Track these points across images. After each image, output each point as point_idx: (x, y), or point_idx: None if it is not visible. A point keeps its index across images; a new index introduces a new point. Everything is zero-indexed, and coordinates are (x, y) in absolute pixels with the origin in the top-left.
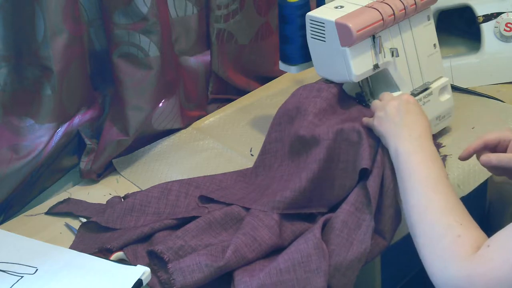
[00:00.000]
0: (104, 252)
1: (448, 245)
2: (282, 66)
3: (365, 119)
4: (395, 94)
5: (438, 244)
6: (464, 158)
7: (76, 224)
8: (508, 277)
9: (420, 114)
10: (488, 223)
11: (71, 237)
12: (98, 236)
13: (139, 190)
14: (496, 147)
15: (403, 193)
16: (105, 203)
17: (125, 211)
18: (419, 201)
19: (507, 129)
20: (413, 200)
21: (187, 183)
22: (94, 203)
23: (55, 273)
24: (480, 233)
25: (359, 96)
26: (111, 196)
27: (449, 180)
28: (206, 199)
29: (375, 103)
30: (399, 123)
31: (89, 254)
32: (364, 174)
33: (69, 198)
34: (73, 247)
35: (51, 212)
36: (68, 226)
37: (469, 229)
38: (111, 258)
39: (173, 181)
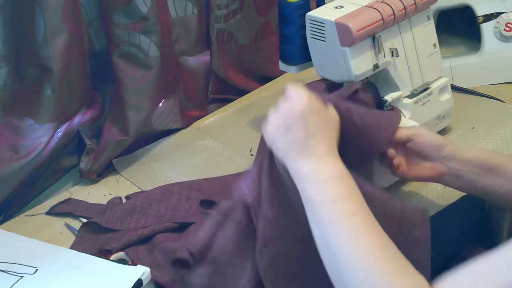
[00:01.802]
0: (104, 253)
1: None
2: (282, 66)
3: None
4: (288, 92)
5: None
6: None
7: (76, 224)
8: None
9: (323, 120)
10: (488, 224)
11: (71, 237)
12: (98, 237)
13: (139, 190)
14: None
15: (317, 223)
16: (105, 203)
17: (126, 212)
18: (342, 242)
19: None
20: (338, 239)
21: (189, 186)
22: (95, 204)
23: (55, 273)
24: (420, 279)
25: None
26: (111, 196)
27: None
28: (207, 204)
29: (270, 112)
30: (302, 143)
31: (89, 254)
32: None
33: (69, 198)
34: (73, 247)
35: (51, 212)
36: (68, 226)
37: (408, 277)
38: (111, 258)
39: (175, 183)
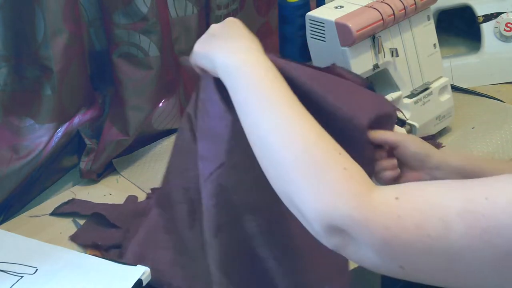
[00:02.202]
0: (97, 247)
1: (334, 176)
2: None
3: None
4: None
5: (317, 171)
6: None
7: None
8: (417, 246)
9: (245, 31)
10: None
11: None
12: (99, 230)
13: (139, 190)
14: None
15: (247, 114)
16: (106, 203)
17: (136, 214)
18: (280, 123)
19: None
20: (270, 122)
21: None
22: (100, 203)
23: (55, 273)
24: (365, 174)
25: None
26: (111, 196)
27: None
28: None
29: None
30: (226, 38)
31: (83, 244)
32: None
33: (73, 199)
34: (73, 237)
35: (55, 213)
36: (75, 222)
37: (352, 163)
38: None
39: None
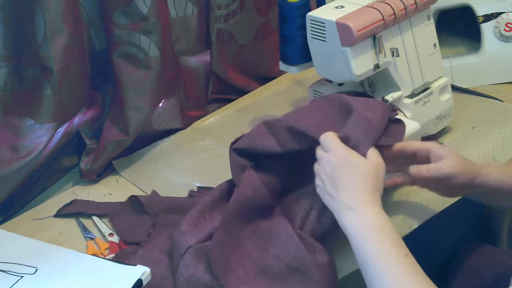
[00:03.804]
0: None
1: None
2: (282, 66)
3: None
4: (321, 143)
5: None
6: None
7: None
8: None
9: (350, 171)
10: (488, 224)
11: (71, 237)
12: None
13: (139, 190)
14: (412, 158)
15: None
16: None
17: (170, 209)
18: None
19: (429, 142)
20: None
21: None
22: (103, 202)
23: (55, 273)
24: None
25: (361, 96)
26: (111, 196)
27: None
28: None
29: (318, 153)
30: (336, 197)
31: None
32: None
33: (75, 200)
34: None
35: (59, 214)
36: (78, 222)
37: None
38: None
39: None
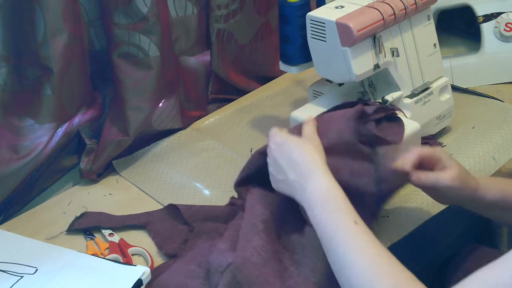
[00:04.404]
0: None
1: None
2: (282, 66)
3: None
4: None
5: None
6: (398, 166)
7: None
8: None
9: (293, 153)
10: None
11: (71, 237)
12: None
13: (139, 190)
14: (427, 164)
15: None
16: (106, 203)
17: (209, 217)
18: (343, 262)
19: (441, 149)
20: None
21: None
22: (116, 215)
23: (55, 273)
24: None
25: (361, 96)
26: (111, 196)
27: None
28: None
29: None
30: (285, 180)
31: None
32: None
33: (85, 212)
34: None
35: (71, 229)
36: (88, 234)
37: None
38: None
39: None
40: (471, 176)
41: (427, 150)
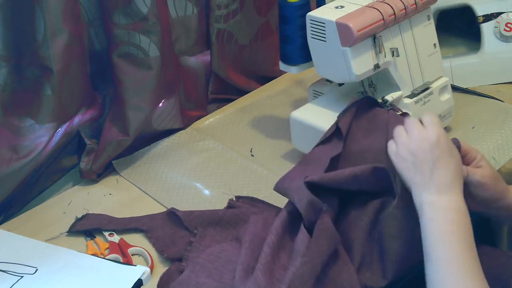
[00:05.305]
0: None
1: None
2: (282, 66)
3: (389, 147)
4: (425, 120)
5: None
6: None
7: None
8: None
9: (450, 156)
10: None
11: (71, 237)
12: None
13: (139, 190)
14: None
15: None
16: (106, 203)
17: (211, 222)
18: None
19: (477, 149)
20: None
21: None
22: (117, 218)
23: (55, 273)
24: None
25: (361, 95)
26: (111, 196)
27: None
28: None
29: (399, 133)
30: (428, 175)
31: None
32: None
33: (87, 214)
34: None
35: (72, 231)
36: (88, 234)
37: None
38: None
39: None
40: (503, 182)
41: (466, 145)
